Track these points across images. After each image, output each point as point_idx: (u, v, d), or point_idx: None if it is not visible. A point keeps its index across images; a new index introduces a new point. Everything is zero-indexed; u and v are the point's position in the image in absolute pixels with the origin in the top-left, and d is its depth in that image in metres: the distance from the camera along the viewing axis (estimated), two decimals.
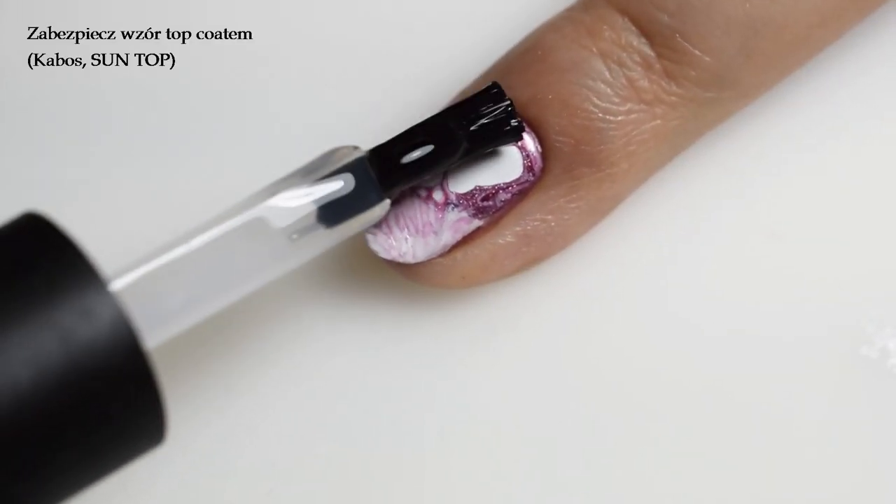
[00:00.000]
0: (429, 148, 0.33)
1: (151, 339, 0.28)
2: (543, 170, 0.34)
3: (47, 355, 0.25)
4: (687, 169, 0.36)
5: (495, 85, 0.33)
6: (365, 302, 0.37)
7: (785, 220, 0.37)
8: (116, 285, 0.28)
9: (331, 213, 0.32)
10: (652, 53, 0.33)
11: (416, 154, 0.33)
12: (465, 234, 0.34)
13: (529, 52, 0.34)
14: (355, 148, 0.33)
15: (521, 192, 0.34)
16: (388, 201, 0.33)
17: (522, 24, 0.36)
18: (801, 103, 0.37)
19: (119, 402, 0.26)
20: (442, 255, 0.34)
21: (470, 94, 0.34)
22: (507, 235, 0.34)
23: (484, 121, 0.33)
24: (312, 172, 0.32)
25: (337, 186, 0.32)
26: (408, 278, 0.34)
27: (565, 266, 0.36)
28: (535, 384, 0.36)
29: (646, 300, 0.36)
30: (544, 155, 0.34)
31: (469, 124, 0.33)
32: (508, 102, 0.33)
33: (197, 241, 0.30)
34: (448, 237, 0.34)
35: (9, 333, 0.25)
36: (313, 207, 0.31)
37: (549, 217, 0.34)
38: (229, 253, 0.30)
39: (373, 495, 0.36)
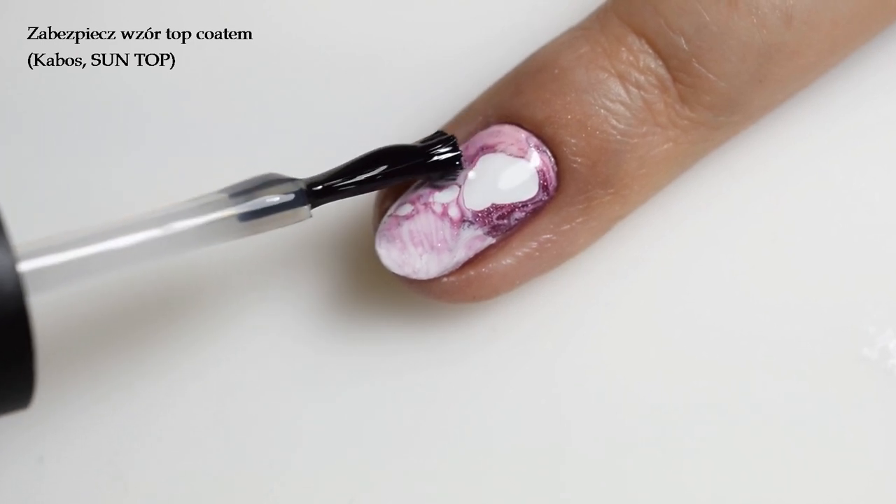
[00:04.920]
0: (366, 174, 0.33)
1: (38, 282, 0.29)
2: (557, 189, 0.34)
3: None
4: (689, 172, 0.37)
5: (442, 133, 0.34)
6: (365, 306, 0.37)
7: (787, 223, 0.37)
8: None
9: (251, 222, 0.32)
10: (668, 76, 0.33)
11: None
12: (478, 251, 0.34)
13: (545, 71, 0.34)
14: (293, 181, 0.32)
15: (535, 210, 0.34)
16: (309, 208, 0.33)
17: (525, 26, 0.37)
18: (803, 107, 0.37)
19: None
20: (454, 273, 0.34)
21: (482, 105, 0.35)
22: (518, 254, 0.34)
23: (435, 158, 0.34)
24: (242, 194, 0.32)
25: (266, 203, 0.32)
26: (417, 294, 0.35)
27: (567, 269, 0.36)
28: (536, 386, 0.36)
29: (647, 303, 0.37)
30: (559, 175, 0.34)
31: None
32: (459, 153, 0.34)
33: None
34: (462, 255, 0.34)
35: None
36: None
37: (560, 237, 0.34)
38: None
39: (373, 497, 0.36)
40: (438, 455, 0.36)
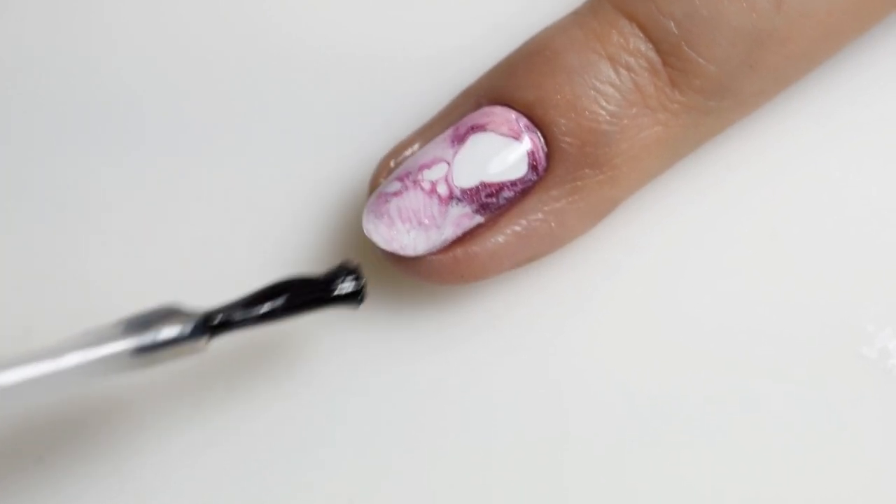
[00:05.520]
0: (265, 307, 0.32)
1: None
2: (547, 170, 0.34)
3: None
4: (687, 166, 0.37)
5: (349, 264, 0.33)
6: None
7: (786, 220, 0.37)
8: None
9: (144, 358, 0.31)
10: (658, 60, 0.34)
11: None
12: (466, 229, 0.34)
13: (538, 54, 0.34)
14: (189, 315, 0.32)
15: (524, 190, 0.34)
16: (206, 341, 0.32)
17: (527, 26, 0.37)
18: (802, 102, 0.38)
19: None
20: (441, 252, 0.34)
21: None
22: (507, 233, 0.34)
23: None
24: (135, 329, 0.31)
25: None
26: (405, 274, 0.35)
27: (562, 261, 0.36)
28: (535, 380, 0.36)
29: (644, 297, 0.37)
30: (549, 155, 0.34)
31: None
32: (361, 287, 0.33)
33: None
34: (449, 232, 0.34)
35: None
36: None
37: (549, 217, 0.34)
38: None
39: (373, 497, 0.36)
40: (438, 453, 0.36)
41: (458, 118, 0.35)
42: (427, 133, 0.35)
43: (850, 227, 0.37)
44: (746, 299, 0.36)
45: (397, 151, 0.35)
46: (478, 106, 0.35)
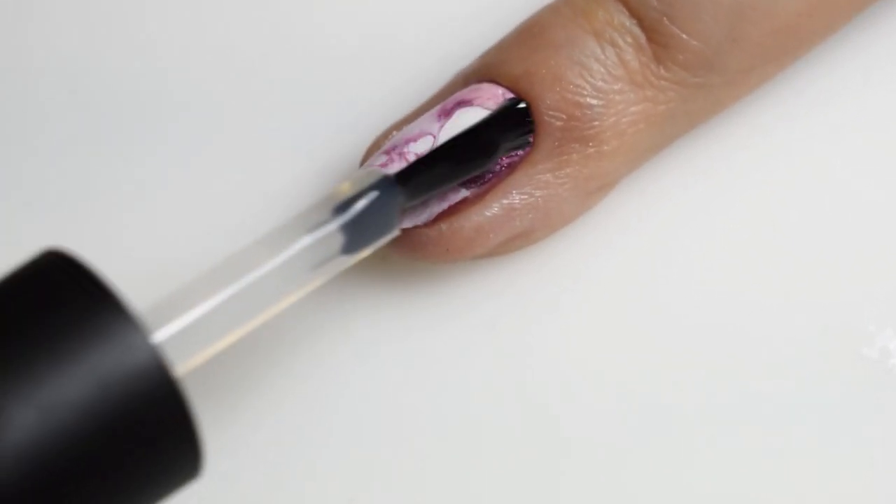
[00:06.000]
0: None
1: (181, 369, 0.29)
2: (533, 144, 0.34)
3: (88, 400, 0.25)
4: (685, 160, 0.37)
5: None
6: (347, 289, 0.37)
7: (786, 218, 0.37)
8: (150, 325, 0.28)
9: (353, 241, 0.32)
10: (642, 35, 0.34)
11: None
12: (452, 203, 0.34)
13: (525, 31, 0.35)
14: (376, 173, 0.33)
15: (510, 165, 0.34)
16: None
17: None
18: (802, 96, 0.37)
19: (157, 441, 0.26)
20: (426, 225, 0.34)
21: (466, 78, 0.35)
22: (493, 208, 0.34)
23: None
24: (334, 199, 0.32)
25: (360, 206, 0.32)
26: (392, 250, 0.34)
27: (556, 244, 0.36)
28: (534, 371, 0.36)
29: (639, 294, 0.36)
30: (535, 130, 0.34)
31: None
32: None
33: (232, 287, 0.30)
34: (434, 205, 0.34)
35: (50, 380, 0.25)
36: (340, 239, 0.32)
37: (536, 192, 0.34)
38: (259, 289, 0.31)
39: (373, 497, 0.35)
40: (439, 451, 0.35)
41: (447, 97, 0.35)
42: (417, 113, 0.35)
43: (852, 225, 0.37)
44: (744, 299, 0.36)
45: (388, 132, 0.35)
46: (467, 83, 0.35)
